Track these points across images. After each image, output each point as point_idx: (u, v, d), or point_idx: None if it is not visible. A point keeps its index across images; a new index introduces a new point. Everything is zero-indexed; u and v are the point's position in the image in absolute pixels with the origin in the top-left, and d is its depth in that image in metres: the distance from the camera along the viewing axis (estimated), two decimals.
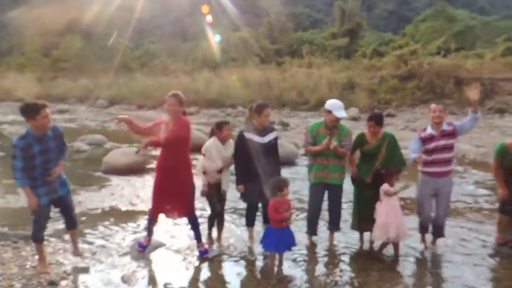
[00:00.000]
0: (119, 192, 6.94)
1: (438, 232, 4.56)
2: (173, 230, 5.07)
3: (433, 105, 4.44)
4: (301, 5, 54.45)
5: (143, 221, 5.38)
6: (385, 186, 4.22)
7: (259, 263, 4.27)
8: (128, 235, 4.98)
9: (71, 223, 4.22)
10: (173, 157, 4.09)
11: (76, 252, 4.29)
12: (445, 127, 4.38)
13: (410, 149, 4.40)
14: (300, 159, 9.58)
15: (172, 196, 4.16)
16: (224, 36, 33.66)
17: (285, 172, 8.32)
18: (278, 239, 3.98)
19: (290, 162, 9.51)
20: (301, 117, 18.87)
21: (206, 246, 4.49)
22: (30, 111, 3.68)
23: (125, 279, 3.82)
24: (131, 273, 3.94)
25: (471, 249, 4.63)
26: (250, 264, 4.24)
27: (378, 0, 52.68)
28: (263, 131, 4.46)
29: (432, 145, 4.35)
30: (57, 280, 3.75)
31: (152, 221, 4.42)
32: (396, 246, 4.36)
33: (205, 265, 4.20)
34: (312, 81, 22.75)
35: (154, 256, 4.38)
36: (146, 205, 6.08)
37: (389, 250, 4.42)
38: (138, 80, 27.92)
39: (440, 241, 4.62)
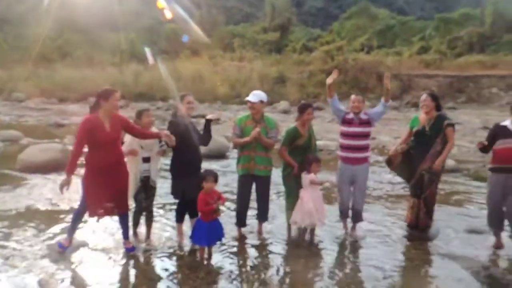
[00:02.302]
0: (37, 191, 6.46)
1: (357, 217, 4.85)
2: (96, 228, 4.83)
3: (353, 96, 4.80)
4: None
5: (64, 221, 5.08)
6: (311, 176, 4.40)
7: (188, 257, 4.23)
8: (46, 236, 4.65)
9: None
10: (108, 154, 3.91)
11: None
12: (362, 115, 4.70)
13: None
14: (232, 152, 9.62)
15: (112, 194, 3.99)
16: (155, 28, 32.65)
17: (216, 165, 8.35)
18: (209, 232, 3.98)
19: (221, 155, 9.54)
20: (233, 110, 18.95)
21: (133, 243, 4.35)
22: None
23: (42, 283, 3.58)
24: (49, 276, 3.70)
25: (388, 233, 4.98)
26: (178, 259, 4.19)
27: None
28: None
29: (350, 129, 4.68)
30: None
31: (78, 220, 4.20)
32: (312, 232, 4.57)
33: (132, 263, 4.07)
34: (243, 75, 22.94)
35: (76, 256, 4.15)
36: (68, 204, 5.74)
37: (316, 238, 4.62)
38: (59, 71, 26.10)
39: (359, 225, 4.90)
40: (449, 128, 4.57)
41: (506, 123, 4.40)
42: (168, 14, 32.81)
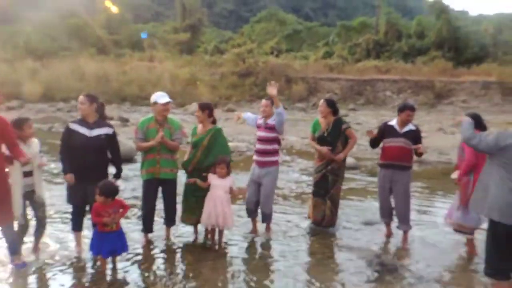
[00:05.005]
0: None
1: (265, 217, 4.97)
2: None
3: (263, 101, 4.93)
4: None
5: None
6: (210, 177, 4.40)
7: (89, 269, 3.98)
8: None
9: None
10: None
11: None
12: (270, 121, 4.82)
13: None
14: (140, 155, 9.27)
15: None
16: (55, 22, 30.21)
17: (124, 169, 7.94)
18: (100, 243, 3.79)
19: (129, 159, 9.14)
20: (143, 112, 18.25)
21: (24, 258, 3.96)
22: None
23: None
24: None
25: (294, 229, 5.20)
26: (78, 271, 3.91)
27: None
28: (92, 124, 4.13)
29: (258, 133, 4.86)
30: None
31: None
32: (220, 233, 4.57)
33: (23, 280, 3.71)
34: (154, 75, 22.28)
35: None
36: None
37: (224, 239, 4.65)
38: None
39: (267, 225, 5.04)
40: (349, 129, 4.94)
41: (393, 123, 4.85)
42: (114, 10, 30.90)
